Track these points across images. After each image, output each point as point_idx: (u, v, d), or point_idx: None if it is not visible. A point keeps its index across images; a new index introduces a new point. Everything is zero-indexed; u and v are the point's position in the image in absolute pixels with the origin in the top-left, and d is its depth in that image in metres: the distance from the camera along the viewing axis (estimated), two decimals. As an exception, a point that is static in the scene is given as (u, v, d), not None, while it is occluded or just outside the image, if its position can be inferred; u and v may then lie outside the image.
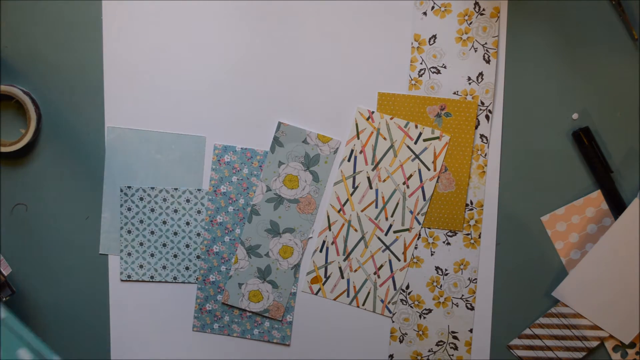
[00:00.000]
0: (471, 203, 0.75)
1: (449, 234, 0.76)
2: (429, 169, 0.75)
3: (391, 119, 0.75)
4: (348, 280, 0.76)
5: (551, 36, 0.75)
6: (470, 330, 0.76)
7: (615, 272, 0.74)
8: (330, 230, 0.76)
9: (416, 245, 0.76)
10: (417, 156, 0.75)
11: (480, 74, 0.75)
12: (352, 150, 0.75)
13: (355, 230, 0.76)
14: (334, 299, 0.76)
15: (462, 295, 0.76)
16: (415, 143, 0.75)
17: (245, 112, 0.75)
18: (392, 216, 0.75)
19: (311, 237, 0.76)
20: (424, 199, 0.75)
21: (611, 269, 0.74)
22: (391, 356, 0.76)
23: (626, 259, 0.74)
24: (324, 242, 0.76)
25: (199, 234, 0.76)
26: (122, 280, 0.76)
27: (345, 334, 0.76)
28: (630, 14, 0.74)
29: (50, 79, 0.75)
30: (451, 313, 0.76)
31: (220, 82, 0.75)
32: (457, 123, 0.75)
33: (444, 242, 0.76)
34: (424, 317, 0.76)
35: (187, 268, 0.76)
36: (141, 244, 0.76)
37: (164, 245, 0.76)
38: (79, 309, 0.76)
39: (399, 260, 0.76)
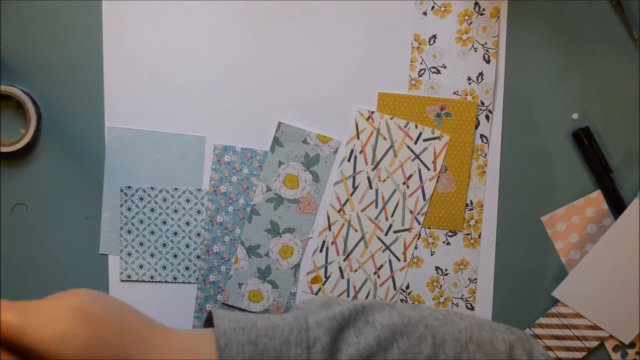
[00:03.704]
0: (471, 203, 0.75)
1: (449, 234, 0.76)
2: (429, 169, 0.75)
3: (391, 119, 0.75)
4: (348, 280, 0.76)
5: (551, 36, 0.75)
6: (470, 330, 0.76)
7: (615, 272, 0.74)
8: (330, 230, 0.76)
9: (416, 245, 0.76)
10: (417, 156, 0.75)
11: (480, 74, 0.75)
12: (352, 150, 0.75)
13: (355, 230, 0.76)
14: (334, 299, 0.76)
15: (462, 295, 0.76)
16: (415, 143, 0.75)
17: (245, 112, 0.75)
18: (392, 216, 0.75)
19: (311, 237, 0.76)
20: (424, 199, 0.75)
21: (611, 269, 0.74)
22: (391, 356, 0.76)
23: (626, 259, 0.74)
24: (324, 242, 0.76)
25: (199, 234, 0.76)
26: (122, 281, 0.76)
27: (345, 334, 0.76)
28: (630, 14, 0.74)
29: (50, 79, 0.75)
30: (451, 313, 0.76)
31: (221, 82, 0.75)
32: (457, 123, 0.75)
33: (444, 242, 0.76)
34: (424, 317, 0.76)
35: (187, 268, 0.76)
36: (141, 244, 0.76)
37: (164, 245, 0.76)
38: (79, 309, 0.76)
39: (399, 260, 0.76)
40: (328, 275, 0.76)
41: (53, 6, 0.74)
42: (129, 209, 0.76)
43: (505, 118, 0.76)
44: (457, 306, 0.76)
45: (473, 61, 0.75)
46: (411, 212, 0.75)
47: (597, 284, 0.74)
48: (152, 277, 0.76)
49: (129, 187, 0.75)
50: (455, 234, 0.76)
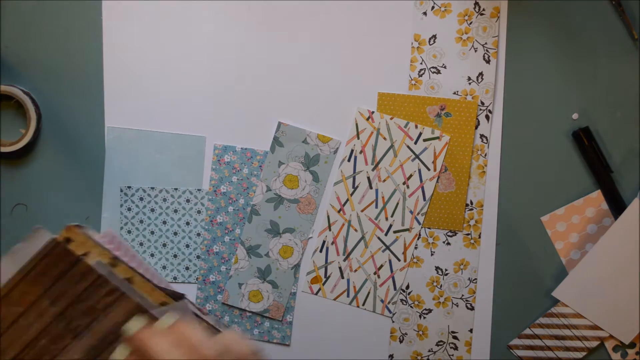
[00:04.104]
0: (471, 203, 0.75)
1: (449, 234, 0.76)
2: (429, 169, 0.75)
3: (391, 119, 0.75)
4: (348, 280, 0.76)
5: (551, 36, 0.75)
6: (470, 330, 0.76)
7: (615, 272, 0.74)
8: (330, 230, 0.76)
9: (416, 245, 0.76)
10: (417, 156, 0.75)
11: (480, 74, 0.75)
12: (352, 150, 0.75)
13: (355, 230, 0.76)
14: (334, 299, 0.76)
15: (462, 295, 0.76)
16: (415, 143, 0.75)
17: (245, 112, 0.75)
18: (392, 216, 0.75)
19: (311, 237, 0.76)
20: (424, 199, 0.75)
21: (611, 269, 0.74)
22: (391, 356, 0.76)
23: (626, 259, 0.74)
24: (324, 242, 0.76)
25: (199, 234, 0.76)
26: (122, 280, 0.76)
27: (345, 334, 0.76)
28: (630, 14, 0.74)
29: (50, 79, 0.75)
30: (451, 313, 0.76)
31: (221, 82, 0.75)
32: (457, 123, 0.75)
33: (444, 242, 0.76)
34: (424, 317, 0.76)
35: (187, 268, 0.76)
36: (141, 244, 0.76)
37: (164, 245, 0.76)
38: (79, 309, 0.76)
39: (399, 260, 0.76)
40: (328, 275, 0.76)
41: (53, 6, 0.74)
42: (129, 209, 0.76)
43: (505, 118, 0.76)
44: (457, 306, 0.76)
45: (473, 61, 0.75)
46: (411, 212, 0.75)
47: (597, 284, 0.74)
48: (152, 277, 0.76)
49: (129, 187, 0.75)
50: (455, 234, 0.76)
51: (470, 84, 0.75)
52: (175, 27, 0.75)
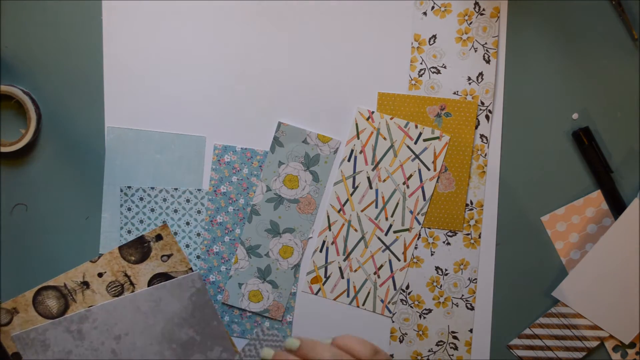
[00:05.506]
0: (471, 203, 0.75)
1: (449, 234, 0.76)
2: (429, 169, 0.75)
3: (391, 119, 0.75)
4: (348, 280, 0.76)
5: (551, 36, 0.75)
6: (470, 330, 0.76)
7: (615, 272, 0.74)
8: (330, 230, 0.76)
9: (416, 245, 0.76)
10: (417, 156, 0.75)
11: (480, 74, 0.75)
12: (352, 150, 0.75)
13: (355, 230, 0.76)
14: (334, 299, 0.76)
15: (462, 295, 0.76)
16: (415, 143, 0.75)
17: (245, 112, 0.75)
18: (392, 216, 0.75)
19: (311, 237, 0.76)
20: (424, 199, 0.75)
21: (611, 269, 0.74)
22: (391, 356, 0.76)
23: (626, 259, 0.74)
24: (324, 242, 0.76)
25: (199, 234, 0.76)
26: (122, 280, 0.76)
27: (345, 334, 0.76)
28: (630, 14, 0.74)
29: (50, 79, 0.75)
30: (451, 313, 0.76)
31: (220, 82, 0.75)
32: (457, 123, 0.75)
33: (444, 242, 0.76)
34: (424, 317, 0.76)
35: (187, 268, 0.76)
36: (141, 244, 0.76)
37: (164, 245, 0.76)
38: (79, 309, 0.76)
39: (399, 260, 0.76)
40: (328, 275, 0.76)
41: (53, 6, 0.74)
42: (129, 209, 0.76)
43: (505, 118, 0.76)
44: (457, 306, 0.76)
45: (473, 61, 0.75)
46: (411, 212, 0.75)
47: (597, 284, 0.74)
48: (152, 277, 0.76)
49: (129, 187, 0.75)
50: (455, 234, 0.76)
51: (470, 84, 0.75)
52: (176, 27, 0.75)
